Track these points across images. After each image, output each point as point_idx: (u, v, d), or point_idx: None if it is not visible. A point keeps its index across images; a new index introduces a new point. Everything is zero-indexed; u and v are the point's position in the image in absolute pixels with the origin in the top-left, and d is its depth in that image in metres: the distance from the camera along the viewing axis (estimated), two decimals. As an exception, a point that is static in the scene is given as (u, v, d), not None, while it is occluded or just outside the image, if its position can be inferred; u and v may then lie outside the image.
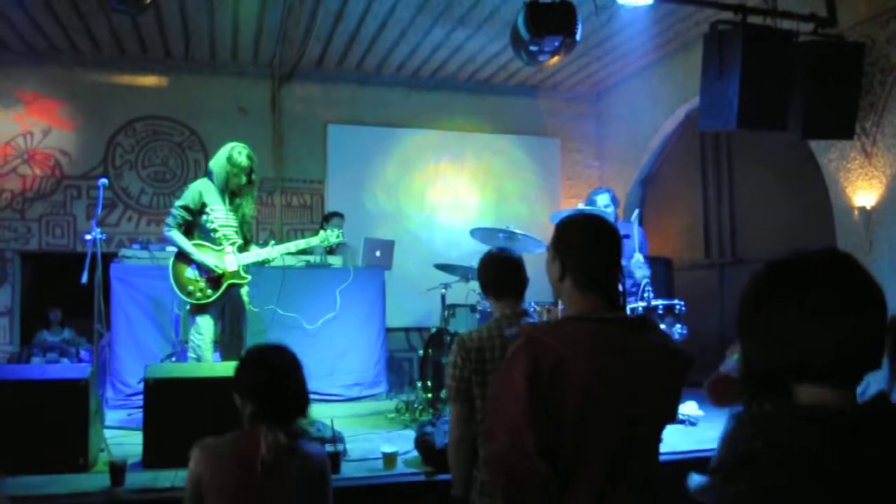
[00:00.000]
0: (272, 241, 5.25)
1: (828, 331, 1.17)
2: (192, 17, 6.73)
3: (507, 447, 1.58)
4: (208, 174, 5.02)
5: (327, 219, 7.29)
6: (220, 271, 4.83)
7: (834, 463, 1.11)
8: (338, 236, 5.34)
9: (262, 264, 5.18)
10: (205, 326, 4.85)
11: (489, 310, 5.59)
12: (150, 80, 7.93)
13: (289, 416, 2.26)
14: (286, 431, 2.21)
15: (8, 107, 7.52)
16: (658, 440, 1.74)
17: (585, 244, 1.83)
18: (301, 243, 5.19)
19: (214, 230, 4.88)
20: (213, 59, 7.82)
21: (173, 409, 3.92)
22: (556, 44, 4.84)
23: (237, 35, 7.20)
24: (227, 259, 4.86)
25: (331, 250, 6.77)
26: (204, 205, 4.87)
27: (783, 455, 1.14)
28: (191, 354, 4.90)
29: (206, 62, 7.87)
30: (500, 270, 2.94)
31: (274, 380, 2.27)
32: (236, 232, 4.97)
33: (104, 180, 5.40)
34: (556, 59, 5.01)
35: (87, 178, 7.61)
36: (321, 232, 5.37)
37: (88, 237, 5.20)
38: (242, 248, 4.98)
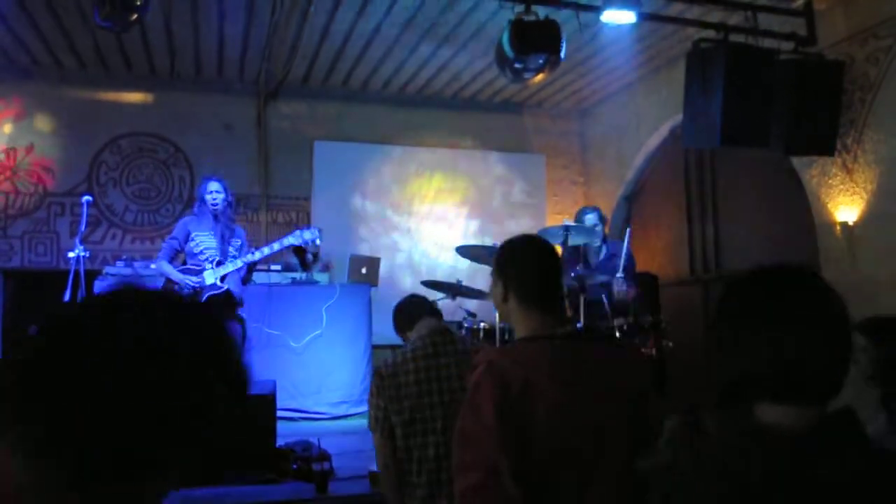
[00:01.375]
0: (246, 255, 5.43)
1: (780, 346, 1.16)
2: (177, 33, 6.72)
3: (482, 480, 1.56)
4: (192, 209, 5.61)
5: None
6: (195, 286, 5.16)
7: (761, 485, 1.11)
8: (312, 233, 5.52)
9: (247, 274, 5.45)
10: None
11: (475, 327, 5.61)
12: (134, 97, 7.91)
13: None
14: None
15: (-9, 123, 7.48)
16: (632, 445, 1.72)
17: (524, 263, 1.87)
18: (275, 245, 5.44)
19: (200, 253, 5.26)
20: (198, 75, 7.82)
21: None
22: (541, 61, 4.88)
23: (222, 52, 7.21)
24: (206, 275, 5.19)
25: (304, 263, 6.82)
26: (188, 233, 5.33)
27: (718, 470, 1.14)
28: None
29: (191, 79, 7.87)
30: (409, 307, 3.06)
31: None
32: (218, 254, 5.28)
33: (88, 198, 5.41)
34: (540, 76, 5.05)
35: (72, 195, 7.55)
36: (296, 232, 5.55)
37: (72, 255, 5.19)
38: (222, 264, 5.27)
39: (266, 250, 5.37)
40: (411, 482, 2.65)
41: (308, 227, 5.79)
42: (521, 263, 1.87)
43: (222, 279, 5.18)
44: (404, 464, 2.68)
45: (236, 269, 5.25)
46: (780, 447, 1.13)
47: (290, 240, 5.43)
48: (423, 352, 2.75)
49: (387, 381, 2.73)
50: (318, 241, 5.63)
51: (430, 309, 3.04)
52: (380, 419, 2.74)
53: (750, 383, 1.19)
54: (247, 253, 5.35)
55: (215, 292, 5.17)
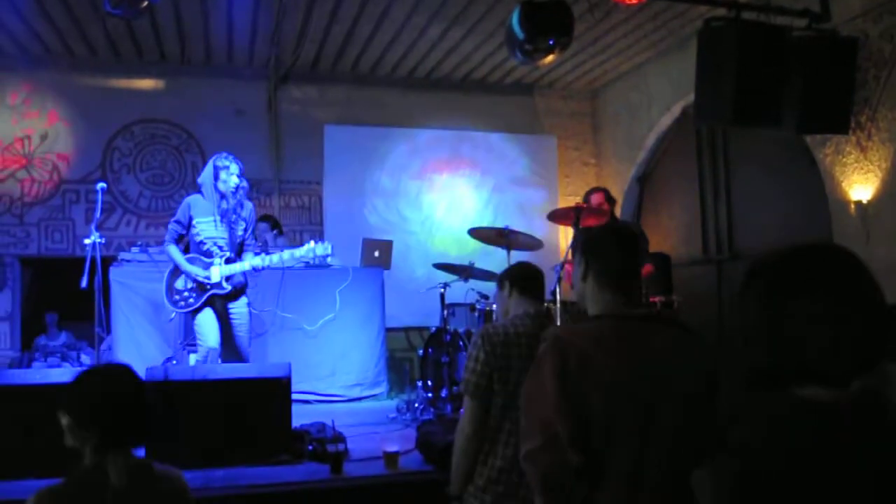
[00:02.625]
0: (253, 258, 5.12)
1: (834, 332, 1.15)
2: (187, 19, 6.73)
3: (542, 444, 1.72)
4: (199, 188, 5.11)
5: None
6: (204, 281, 4.97)
7: (822, 452, 1.12)
8: (325, 249, 5.17)
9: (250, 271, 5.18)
10: (204, 324, 4.95)
11: (488, 308, 5.63)
12: (146, 84, 7.94)
13: (133, 440, 2.08)
14: (128, 456, 2.02)
15: (5, 112, 7.53)
16: (697, 427, 1.78)
17: (605, 246, 2.02)
18: (285, 255, 5.13)
19: (202, 242, 5.03)
20: (208, 61, 7.83)
21: (174, 411, 3.94)
22: (551, 42, 4.86)
23: (232, 37, 7.21)
24: (213, 271, 4.98)
25: None
26: (191, 218, 5.03)
27: (776, 442, 1.15)
28: (198, 357, 4.99)
29: (201, 64, 7.88)
30: (532, 272, 3.05)
31: (117, 406, 2.05)
32: (227, 244, 5.04)
33: (103, 185, 5.44)
34: (551, 57, 5.02)
35: (86, 182, 7.62)
36: (308, 244, 5.16)
37: (88, 241, 5.23)
38: (231, 261, 5.04)
39: (276, 259, 5.05)
40: (495, 452, 2.62)
41: (321, 240, 5.64)
42: (603, 246, 2.02)
43: (227, 279, 4.98)
44: (493, 433, 2.63)
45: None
46: (835, 420, 1.14)
47: (301, 254, 5.12)
48: (531, 328, 2.72)
49: (499, 349, 2.65)
50: (328, 259, 5.50)
51: (543, 291, 3.05)
52: (482, 386, 2.64)
53: (791, 364, 1.19)
54: (253, 234, 5.22)
55: (219, 292, 4.98)
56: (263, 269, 5.06)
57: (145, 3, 4.51)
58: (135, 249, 6.29)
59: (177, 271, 5.08)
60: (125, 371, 2.14)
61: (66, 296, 6.51)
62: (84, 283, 5.05)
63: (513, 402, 2.59)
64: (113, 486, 1.94)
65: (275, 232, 7.00)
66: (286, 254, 5.13)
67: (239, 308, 5.09)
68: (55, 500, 1.93)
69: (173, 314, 5.30)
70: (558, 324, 4.82)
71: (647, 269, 5.41)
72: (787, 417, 1.17)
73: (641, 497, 1.71)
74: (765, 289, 1.25)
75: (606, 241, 2.05)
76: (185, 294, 5.02)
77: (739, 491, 1.16)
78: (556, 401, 1.70)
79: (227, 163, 5.01)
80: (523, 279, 2.98)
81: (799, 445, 1.14)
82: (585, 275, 1.99)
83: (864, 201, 5.33)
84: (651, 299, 5.17)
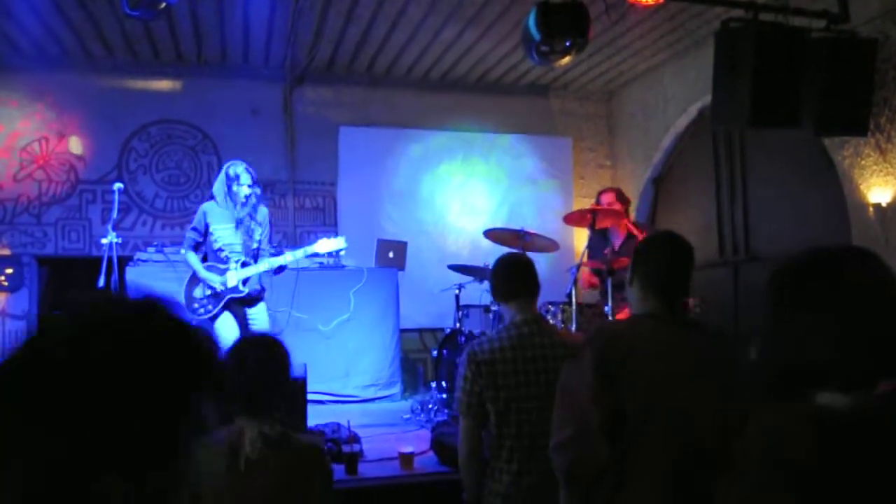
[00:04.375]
0: (267, 258, 5.18)
1: (856, 336, 1.14)
2: (203, 20, 6.76)
3: (573, 435, 1.76)
4: (212, 197, 5.15)
5: None
6: (220, 287, 5.01)
7: (824, 467, 1.10)
8: (339, 243, 5.28)
9: (279, 269, 5.25)
10: (223, 329, 4.98)
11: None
12: (162, 84, 7.98)
13: (270, 410, 2.16)
14: (270, 425, 2.12)
15: (23, 112, 7.59)
16: (721, 429, 1.75)
17: (653, 255, 2.09)
18: (298, 253, 5.18)
19: (220, 249, 5.07)
20: (224, 62, 7.86)
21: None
22: (568, 43, 4.84)
23: (248, 38, 7.24)
24: (229, 276, 5.02)
25: None
26: (207, 226, 5.08)
27: (778, 455, 1.13)
28: None
29: (217, 65, 7.92)
30: (511, 270, 2.93)
31: (253, 373, 2.16)
32: (242, 249, 5.08)
33: (120, 185, 5.48)
34: (567, 58, 5.01)
35: (103, 183, 7.66)
36: (322, 239, 5.30)
37: (105, 241, 5.27)
38: (247, 265, 5.07)
39: (290, 257, 5.11)
40: (499, 468, 2.63)
41: (335, 234, 5.69)
42: (652, 255, 2.09)
43: (244, 282, 5.01)
44: (494, 450, 2.66)
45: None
46: (850, 430, 1.11)
47: (315, 250, 5.20)
48: (520, 341, 2.67)
49: (483, 367, 2.65)
50: (342, 253, 5.50)
51: (534, 284, 2.88)
52: (473, 405, 2.68)
53: (815, 369, 1.17)
54: (270, 239, 5.28)
55: (236, 296, 5.01)
56: (281, 269, 5.09)
57: (163, 5, 4.53)
58: (151, 249, 6.33)
59: (194, 279, 5.12)
60: (274, 343, 2.25)
61: (82, 295, 6.56)
62: (101, 283, 5.09)
63: (505, 418, 2.62)
64: (246, 453, 2.02)
65: None
66: (300, 252, 5.17)
67: (257, 314, 5.14)
68: (198, 449, 1.98)
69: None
70: (573, 327, 4.80)
71: None
72: (801, 427, 1.15)
73: (667, 499, 1.71)
74: (787, 292, 1.23)
75: (656, 250, 2.10)
76: (204, 301, 5.07)
77: (756, 499, 1.15)
78: (593, 390, 1.74)
79: (239, 171, 5.05)
80: (505, 286, 2.89)
81: (813, 456, 1.12)
82: (632, 279, 2.05)
83: (884, 204, 5.27)
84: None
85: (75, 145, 7.28)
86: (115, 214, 5.41)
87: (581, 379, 1.77)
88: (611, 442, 1.70)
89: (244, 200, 5.02)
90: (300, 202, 8.23)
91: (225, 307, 5.00)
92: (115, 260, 5.18)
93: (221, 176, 5.13)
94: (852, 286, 1.17)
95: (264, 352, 2.23)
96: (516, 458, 2.58)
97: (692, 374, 1.80)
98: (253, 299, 5.10)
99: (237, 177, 5.03)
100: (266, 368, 2.18)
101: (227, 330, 4.98)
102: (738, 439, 1.22)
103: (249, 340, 2.30)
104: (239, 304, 5.06)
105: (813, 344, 1.16)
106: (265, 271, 5.13)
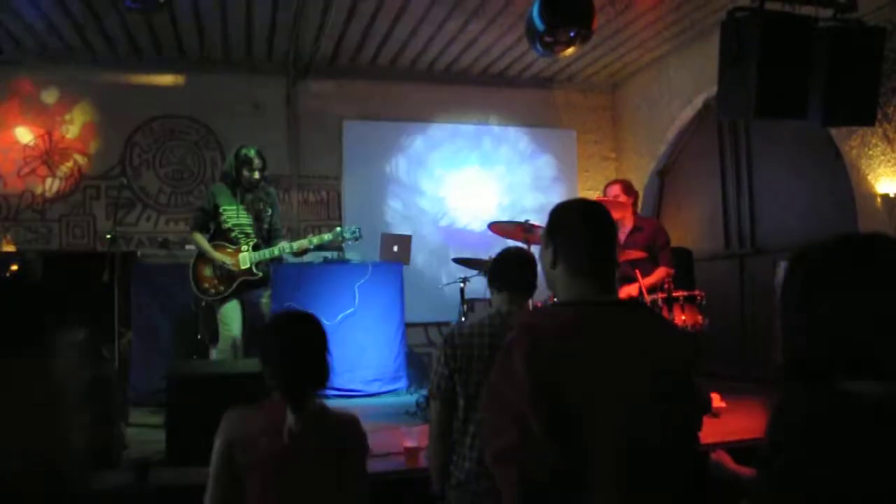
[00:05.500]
0: (283, 243, 5.23)
1: (885, 322, 1.12)
2: (205, 14, 6.74)
3: (516, 439, 1.52)
4: (223, 177, 5.16)
5: None
6: (233, 268, 5.00)
7: (866, 450, 1.08)
8: (353, 232, 5.34)
9: (275, 261, 5.26)
10: (229, 316, 4.98)
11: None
12: (165, 79, 7.96)
13: (311, 387, 2.20)
14: (311, 400, 2.17)
15: (26, 109, 7.58)
16: (679, 420, 1.67)
17: (576, 229, 1.79)
18: (314, 239, 5.24)
19: (230, 230, 5.08)
20: (227, 56, 7.84)
21: (196, 405, 3.93)
22: (572, 34, 4.81)
23: (250, 32, 7.21)
24: (241, 257, 5.03)
25: None
26: (217, 206, 5.08)
27: (818, 442, 1.11)
28: (221, 346, 5.02)
29: (220, 60, 7.89)
30: (509, 264, 2.92)
31: (298, 349, 2.20)
32: (253, 231, 5.11)
33: (123, 180, 5.49)
34: (571, 50, 4.98)
35: (106, 179, 7.65)
36: (336, 228, 5.41)
37: (108, 237, 5.28)
38: (259, 247, 5.09)
39: (305, 243, 5.16)
40: (462, 454, 2.60)
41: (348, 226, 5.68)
42: (572, 229, 1.79)
43: (257, 265, 5.03)
44: (459, 435, 2.62)
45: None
46: (880, 414, 1.10)
47: (330, 237, 5.23)
48: (500, 329, 2.65)
49: (459, 350, 2.63)
50: (357, 236, 5.50)
51: (527, 281, 2.86)
52: (442, 388, 2.65)
53: (838, 357, 1.15)
54: (277, 220, 5.30)
55: (249, 278, 5.03)
56: (294, 253, 5.13)
57: (164, -2, 4.52)
58: (155, 245, 6.31)
59: (202, 259, 5.09)
60: (315, 319, 2.29)
61: (86, 290, 6.54)
62: (105, 279, 5.09)
63: (474, 403, 2.58)
64: (289, 426, 2.08)
65: None
66: (315, 238, 5.21)
67: (264, 299, 5.16)
68: (241, 421, 2.14)
69: (203, 303, 5.34)
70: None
71: (639, 254, 5.27)
72: (829, 413, 1.13)
73: (632, 497, 1.56)
74: (810, 277, 1.21)
75: (576, 222, 1.80)
76: (216, 282, 5.04)
77: (779, 487, 1.13)
78: (528, 391, 1.51)
79: (251, 154, 5.07)
80: (499, 277, 2.89)
81: (841, 443, 1.10)
82: (555, 261, 1.76)
83: (892, 194, 5.23)
84: (674, 293, 5.09)
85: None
86: (119, 210, 5.42)
87: (513, 378, 1.55)
88: (560, 445, 1.51)
89: (255, 183, 5.06)
90: (304, 196, 8.22)
91: (235, 290, 5.00)
92: (119, 255, 5.18)
93: (231, 159, 5.17)
94: (889, 268, 1.15)
95: (307, 328, 2.26)
96: (477, 446, 2.55)
97: (638, 359, 1.62)
98: (262, 283, 5.12)
99: (248, 162, 5.05)
100: (310, 345, 2.22)
101: (233, 314, 5.00)
102: (774, 422, 1.19)
103: (291, 316, 2.33)
104: (248, 288, 5.06)
105: (848, 325, 1.13)
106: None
